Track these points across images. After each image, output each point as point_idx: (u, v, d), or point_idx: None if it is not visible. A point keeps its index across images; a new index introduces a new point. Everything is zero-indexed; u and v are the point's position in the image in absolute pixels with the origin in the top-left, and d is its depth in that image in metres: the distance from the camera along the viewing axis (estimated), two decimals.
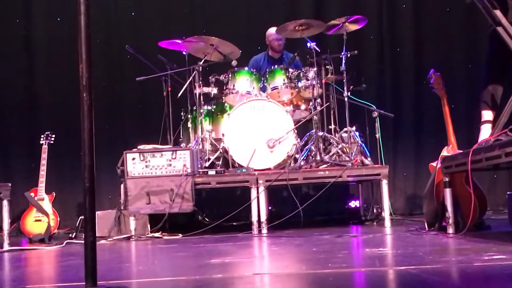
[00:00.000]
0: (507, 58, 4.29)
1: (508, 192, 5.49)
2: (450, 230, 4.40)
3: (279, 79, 6.32)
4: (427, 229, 4.88)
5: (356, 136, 6.19)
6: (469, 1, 4.27)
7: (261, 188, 5.62)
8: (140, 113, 7.60)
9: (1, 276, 3.42)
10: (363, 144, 6.22)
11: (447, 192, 4.46)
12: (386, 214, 5.72)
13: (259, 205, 5.61)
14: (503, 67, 4.53)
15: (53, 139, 6.64)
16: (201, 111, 6.25)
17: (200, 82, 6.30)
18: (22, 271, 3.62)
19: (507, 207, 5.52)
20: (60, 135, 6.74)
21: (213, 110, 6.41)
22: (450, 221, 4.42)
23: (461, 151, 4.46)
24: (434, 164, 4.91)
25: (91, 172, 2.10)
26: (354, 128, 6.26)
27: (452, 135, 4.97)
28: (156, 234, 5.63)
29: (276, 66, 6.46)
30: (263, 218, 5.60)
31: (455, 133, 5.00)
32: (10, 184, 5.48)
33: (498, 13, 4.20)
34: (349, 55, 6.37)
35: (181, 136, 6.66)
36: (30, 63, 7.92)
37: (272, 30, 6.93)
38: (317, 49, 6.37)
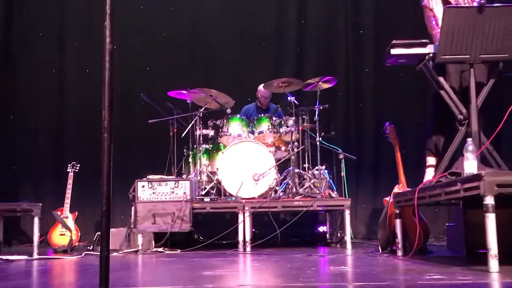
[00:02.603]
0: (447, 114, 4.36)
1: (447, 224, 5.51)
2: (399, 253, 4.40)
3: (265, 125, 6.36)
4: (380, 251, 4.88)
5: (325, 173, 6.22)
6: (418, 68, 4.34)
7: (247, 214, 5.61)
8: (150, 149, 7.60)
9: (29, 280, 3.38)
10: (330, 180, 6.25)
11: (397, 222, 4.47)
12: (348, 238, 5.70)
13: (244, 228, 5.59)
14: (444, 122, 4.59)
15: (77, 168, 6.63)
16: (200, 149, 6.26)
17: (200, 125, 6.33)
18: (47, 277, 3.58)
19: (446, 235, 5.54)
20: (83, 164, 6.73)
21: (210, 148, 6.42)
22: (399, 245, 4.43)
23: (409, 189, 4.48)
24: (387, 198, 4.93)
25: (108, 198, 2.10)
26: (323, 167, 6.29)
27: (402, 176, 5.02)
28: (159, 249, 5.59)
29: (262, 115, 6.50)
30: (248, 238, 5.58)
31: (405, 174, 5.05)
32: (41, 204, 5.47)
33: (441, 79, 4.28)
34: (321, 107, 6.44)
35: (183, 169, 6.65)
36: (61, 114, 7.94)
37: (261, 87, 6.98)
38: (296, 102, 6.43)
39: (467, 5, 4.41)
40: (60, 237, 6.25)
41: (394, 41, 4.22)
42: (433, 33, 4.55)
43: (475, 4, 4.37)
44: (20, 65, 7.94)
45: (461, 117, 4.15)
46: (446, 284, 2.68)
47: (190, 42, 8.09)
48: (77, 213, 6.49)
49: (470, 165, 3.53)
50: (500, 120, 3.96)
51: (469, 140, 3.67)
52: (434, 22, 4.56)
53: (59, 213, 6.31)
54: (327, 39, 8.07)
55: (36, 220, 5.35)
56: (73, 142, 7.72)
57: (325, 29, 8.09)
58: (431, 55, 4.19)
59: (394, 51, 4.22)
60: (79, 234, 6.47)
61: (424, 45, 4.21)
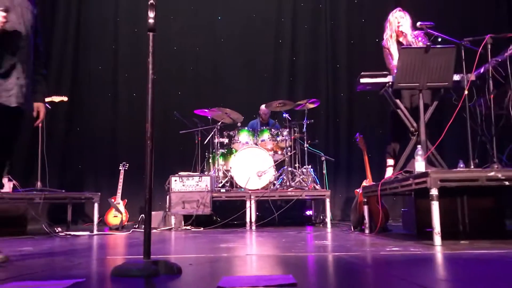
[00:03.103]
0: (401, 128, 4.36)
1: (402, 209, 5.50)
2: (367, 231, 4.40)
3: (266, 135, 6.36)
4: (352, 230, 4.87)
5: (311, 171, 6.22)
6: (381, 93, 4.35)
7: (253, 201, 5.61)
8: (180, 152, 7.61)
9: (90, 250, 3.39)
10: (315, 176, 6.24)
11: (365, 208, 4.47)
12: (328, 220, 5.70)
13: (251, 212, 5.58)
14: (399, 133, 4.59)
15: (127, 166, 6.64)
16: (218, 152, 6.27)
17: (218, 135, 6.34)
18: (104, 248, 3.58)
19: (402, 218, 5.51)
20: (131, 164, 6.74)
21: (225, 152, 6.42)
22: (367, 225, 4.42)
23: (374, 183, 4.47)
24: (358, 190, 4.92)
25: (150, 189, 2.10)
26: (310, 166, 6.29)
27: (369, 173, 5.01)
28: (187, 227, 5.60)
29: (264, 127, 6.50)
30: (253, 219, 5.57)
31: (371, 172, 5.04)
32: (99, 193, 5.48)
33: (398, 101, 4.28)
34: (308, 122, 6.44)
35: (205, 167, 6.65)
36: (115, 126, 7.97)
37: (263, 107, 6.99)
38: (289, 118, 6.44)
39: (417, 45, 4.42)
40: (113, 218, 6.26)
41: (362, 73, 4.23)
42: (390, 67, 4.56)
43: (420, 44, 4.39)
44: (84, 90, 7.98)
45: (413, 129, 4.15)
46: (401, 255, 2.67)
47: (211, 72, 8.12)
48: (126, 200, 6.50)
49: (419, 165, 3.54)
50: (442, 131, 3.97)
51: (419, 146, 3.68)
52: (390, 59, 4.58)
53: (113, 200, 6.32)
54: (312, 71, 8.09)
55: (96, 205, 5.37)
56: (123, 147, 7.73)
57: (311, 63, 8.10)
58: (390, 83, 4.20)
59: (362, 80, 4.23)
60: (128, 216, 6.48)
61: (385, 75, 4.22)
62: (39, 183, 5.45)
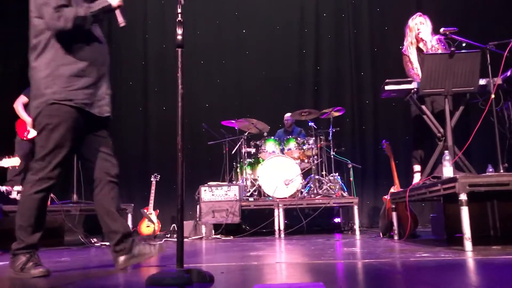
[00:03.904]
0: (425, 132, 4.31)
1: (431, 215, 5.39)
2: (396, 237, 4.33)
3: (292, 144, 6.35)
4: (381, 236, 4.80)
5: (338, 179, 6.16)
6: (406, 100, 4.29)
7: (281, 209, 5.60)
8: (209, 163, 7.66)
9: None
10: (342, 184, 6.18)
11: (394, 214, 4.40)
12: (356, 227, 5.64)
13: (279, 220, 5.57)
14: (423, 138, 4.54)
15: (158, 178, 6.73)
16: (245, 162, 6.29)
17: (245, 145, 6.37)
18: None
19: (431, 224, 5.40)
20: (162, 175, 6.82)
21: (252, 161, 6.43)
22: (396, 232, 4.35)
23: (402, 189, 4.41)
24: (386, 196, 4.86)
25: (181, 199, 2.12)
26: (337, 174, 6.24)
27: (396, 179, 4.94)
28: (217, 236, 5.62)
29: (290, 136, 6.50)
30: (282, 227, 5.56)
31: (398, 178, 4.96)
32: (133, 204, 5.58)
33: (423, 107, 4.22)
34: (334, 130, 6.41)
35: (233, 177, 6.68)
36: (146, 139, 8.10)
37: (287, 115, 6.99)
38: (315, 126, 6.43)
39: (437, 51, 4.37)
40: (146, 228, 6.34)
41: (387, 80, 4.19)
42: (409, 74, 4.51)
43: (439, 50, 4.33)
44: (115, 104, 8.11)
45: (439, 135, 4.07)
46: (432, 260, 2.61)
47: (237, 84, 8.18)
48: (158, 211, 6.58)
49: (447, 170, 3.47)
50: (469, 136, 3.89)
51: (446, 152, 3.61)
52: (410, 66, 4.52)
53: (145, 210, 6.41)
54: (337, 79, 8.05)
55: (129, 215, 5.46)
56: (154, 159, 7.85)
57: (335, 72, 8.07)
58: (415, 89, 4.14)
59: (387, 87, 4.19)
60: (160, 225, 6.55)
61: (410, 82, 4.17)
62: (75, 196, 5.59)
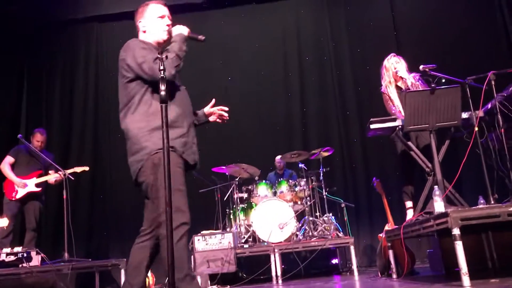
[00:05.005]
0: (411, 168, 4.35)
1: (428, 250, 5.35)
2: (394, 276, 4.28)
3: (284, 186, 6.35)
4: (380, 276, 4.73)
5: (332, 219, 6.12)
6: (391, 137, 4.36)
7: (277, 254, 5.52)
8: (202, 211, 7.52)
9: None
10: (337, 224, 6.13)
11: (390, 253, 4.36)
12: (354, 267, 5.55)
13: (276, 265, 5.48)
14: (411, 173, 4.59)
15: None
16: (238, 208, 6.26)
17: (237, 190, 6.35)
18: None
19: (428, 259, 5.35)
20: None
21: (245, 207, 6.39)
22: (394, 270, 4.31)
23: (396, 226, 4.40)
24: (381, 235, 4.82)
25: (172, 253, 2.10)
26: (330, 214, 6.20)
27: (390, 217, 4.92)
28: (214, 287, 5.50)
29: (281, 179, 6.50)
30: (279, 273, 5.46)
31: (391, 215, 4.95)
32: (125, 259, 5.43)
33: (409, 143, 4.27)
34: (324, 170, 6.43)
35: (226, 224, 6.62)
36: (138, 193, 8.02)
37: (278, 157, 7.03)
38: (305, 168, 6.45)
39: (417, 88, 4.49)
40: None
41: (372, 119, 4.27)
42: (392, 112, 4.60)
43: (419, 86, 4.45)
44: (105, 158, 8.11)
45: (428, 170, 4.11)
46: None
47: (225, 130, 8.20)
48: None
49: (438, 205, 3.49)
50: (458, 169, 3.94)
51: (436, 187, 3.63)
52: (391, 104, 4.63)
53: None
54: (324, 120, 8.14)
55: (122, 271, 5.33)
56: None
57: (321, 113, 8.17)
58: (400, 126, 4.22)
59: (373, 126, 4.26)
60: (154, 279, 6.39)
61: (394, 120, 4.26)
62: (66, 254, 5.47)
